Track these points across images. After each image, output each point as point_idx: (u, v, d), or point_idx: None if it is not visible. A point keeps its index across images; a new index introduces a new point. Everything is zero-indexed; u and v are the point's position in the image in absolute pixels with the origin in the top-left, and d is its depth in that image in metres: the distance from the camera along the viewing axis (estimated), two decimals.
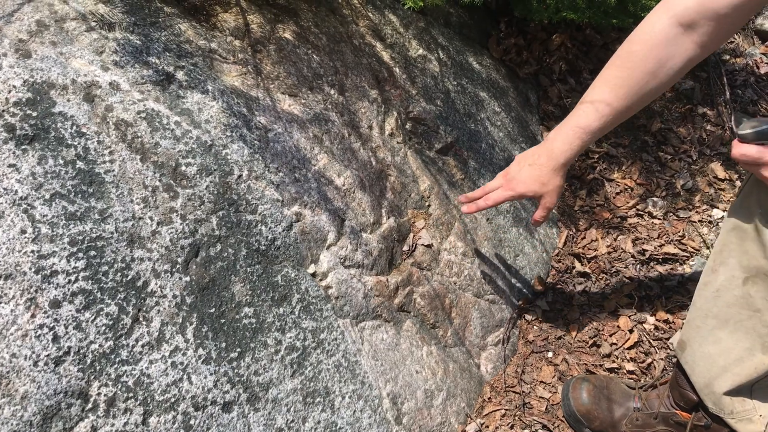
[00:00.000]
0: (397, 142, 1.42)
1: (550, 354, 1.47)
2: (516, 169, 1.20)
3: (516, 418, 1.33)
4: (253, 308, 1.04)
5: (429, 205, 1.42)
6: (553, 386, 1.40)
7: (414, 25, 1.62)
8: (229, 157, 1.09)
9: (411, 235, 1.36)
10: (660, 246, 1.65)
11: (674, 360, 1.37)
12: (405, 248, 1.34)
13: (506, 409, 1.34)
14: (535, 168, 1.18)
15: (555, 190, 1.18)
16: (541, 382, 1.41)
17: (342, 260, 1.21)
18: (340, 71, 1.36)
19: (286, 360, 1.06)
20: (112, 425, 0.85)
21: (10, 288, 0.82)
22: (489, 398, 1.36)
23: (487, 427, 1.31)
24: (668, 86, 1.11)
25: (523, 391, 1.39)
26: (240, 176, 1.09)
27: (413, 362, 1.26)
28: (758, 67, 2.04)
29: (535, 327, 1.51)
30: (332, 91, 1.32)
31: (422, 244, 1.36)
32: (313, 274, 1.16)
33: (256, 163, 1.12)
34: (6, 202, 0.85)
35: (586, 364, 1.44)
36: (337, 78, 1.34)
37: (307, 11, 1.37)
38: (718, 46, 1.07)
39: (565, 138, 1.15)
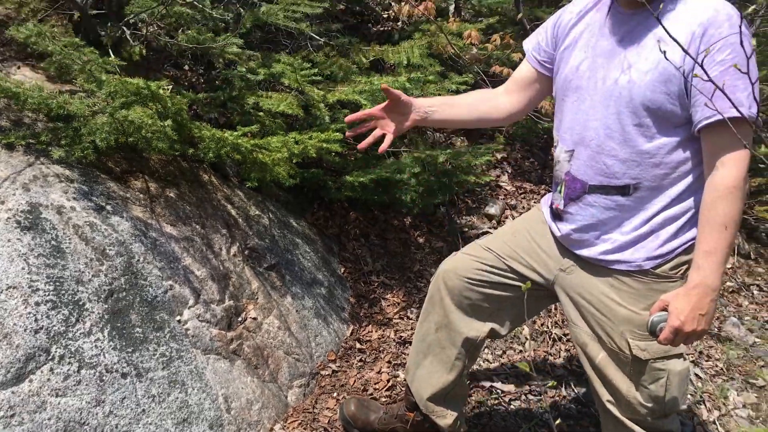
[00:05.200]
0: (238, 260, 2.33)
1: (335, 394, 2.28)
2: None
3: (308, 425, 2.10)
4: (141, 329, 1.84)
5: (257, 297, 2.30)
6: (335, 410, 2.19)
7: (254, 199, 2.63)
8: (133, 249, 1.95)
9: (244, 312, 2.22)
10: (412, 333, 2.57)
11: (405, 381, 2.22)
12: (239, 319, 2.19)
13: (302, 420, 2.12)
14: None
15: None
16: (328, 408, 2.20)
17: (197, 316, 2.04)
18: (203, 216, 2.30)
19: (160, 360, 1.84)
20: (61, 369, 1.60)
21: (16, 293, 1.61)
22: (291, 414, 2.13)
23: (288, 428, 2.07)
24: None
25: (315, 412, 2.17)
26: (139, 260, 1.95)
27: (241, 383, 2.05)
28: None
29: (327, 379, 2.33)
30: (197, 227, 2.25)
31: (251, 317, 2.22)
32: (179, 321, 1.98)
33: (148, 255, 1.99)
34: (15, 253, 1.67)
35: (357, 397, 2.25)
36: (200, 220, 2.28)
37: (185, 183, 2.35)
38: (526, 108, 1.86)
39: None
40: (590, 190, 1.60)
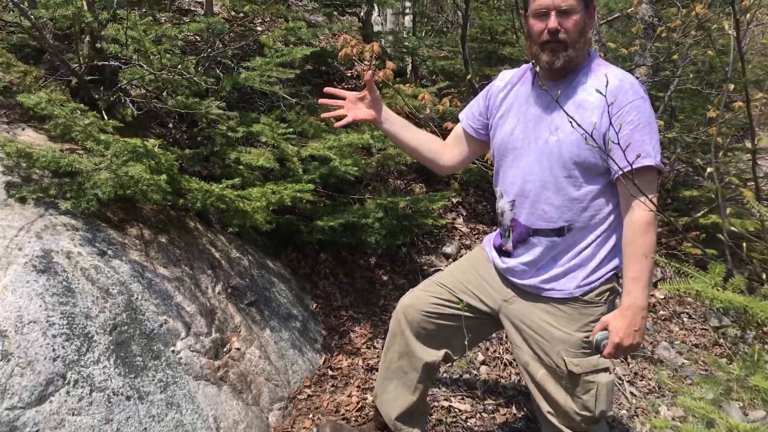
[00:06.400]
0: (222, 298, 2.61)
1: (311, 415, 2.54)
2: None
3: None
4: (141, 357, 2.11)
5: (240, 331, 2.57)
6: (310, 430, 2.46)
7: (234, 243, 2.92)
8: (132, 288, 2.22)
9: (229, 343, 2.49)
10: (378, 361, 2.86)
11: (374, 404, 2.50)
12: (225, 349, 2.46)
13: None
14: None
15: None
16: (304, 428, 2.47)
17: (188, 347, 2.30)
18: (191, 259, 2.58)
19: (158, 384, 2.10)
20: (76, 391, 1.86)
21: (36, 327, 1.87)
22: None
23: None
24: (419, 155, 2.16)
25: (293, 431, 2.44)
26: (138, 298, 2.22)
27: (228, 405, 2.31)
28: None
29: (303, 403, 2.60)
30: (186, 268, 2.53)
31: (235, 348, 2.49)
32: (173, 351, 2.24)
33: (145, 293, 2.26)
34: (33, 292, 1.94)
35: (332, 420, 2.52)
36: (188, 263, 2.56)
37: (174, 230, 2.63)
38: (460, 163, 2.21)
39: None
40: (533, 233, 1.94)
